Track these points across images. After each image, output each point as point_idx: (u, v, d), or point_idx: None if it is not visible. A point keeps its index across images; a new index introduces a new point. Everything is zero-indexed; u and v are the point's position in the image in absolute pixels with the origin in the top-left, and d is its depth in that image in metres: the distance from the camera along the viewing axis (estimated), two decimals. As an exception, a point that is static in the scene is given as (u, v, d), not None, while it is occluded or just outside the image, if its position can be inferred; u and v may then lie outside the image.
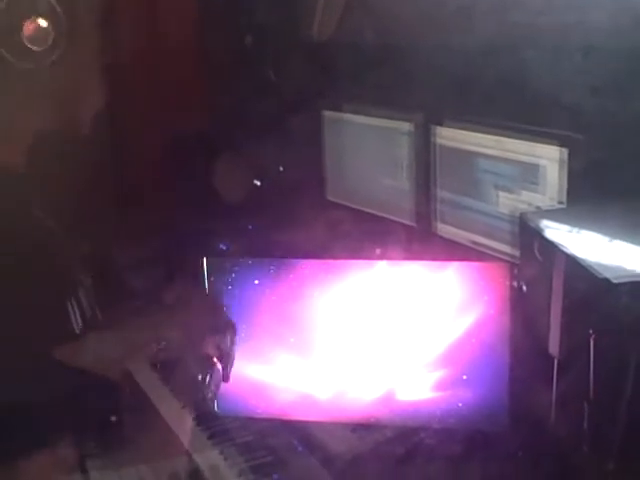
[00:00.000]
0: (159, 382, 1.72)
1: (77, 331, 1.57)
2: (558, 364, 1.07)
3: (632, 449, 0.96)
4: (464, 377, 1.37)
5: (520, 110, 1.42)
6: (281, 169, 1.90)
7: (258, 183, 1.99)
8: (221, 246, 1.86)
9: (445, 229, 1.64)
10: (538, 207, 1.39)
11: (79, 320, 1.61)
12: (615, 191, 1.25)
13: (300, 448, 1.47)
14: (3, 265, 1.36)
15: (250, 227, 1.84)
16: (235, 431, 1.53)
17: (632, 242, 1.08)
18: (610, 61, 1.24)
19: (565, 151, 1.35)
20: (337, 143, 1.89)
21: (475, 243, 1.56)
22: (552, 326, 1.08)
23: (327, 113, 1.88)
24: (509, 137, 1.45)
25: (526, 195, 1.44)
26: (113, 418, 1.55)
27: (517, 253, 1.34)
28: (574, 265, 1.03)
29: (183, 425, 1.58)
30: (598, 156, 1.29)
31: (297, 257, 1.46)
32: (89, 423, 1.52)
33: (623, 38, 1.21)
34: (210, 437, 1.53)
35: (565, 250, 1.07)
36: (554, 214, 1.28)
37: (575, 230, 1.15)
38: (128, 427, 1.59)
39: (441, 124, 1.60)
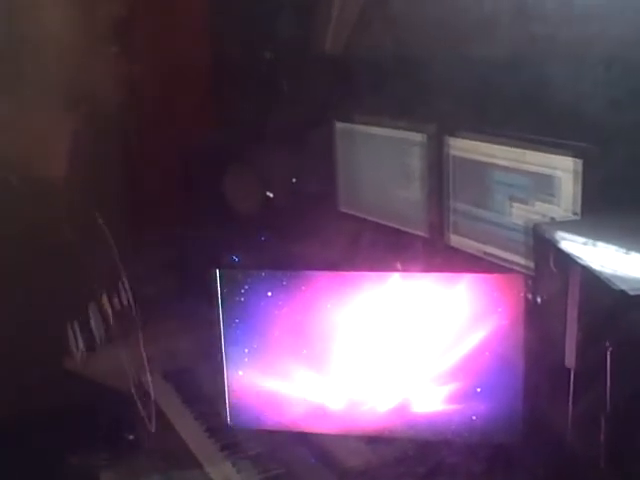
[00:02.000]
0: (173, 394, 1.72)
1: (93, 343, 1.57)
2: (574, 376, 1.06)
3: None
4: (478, 390, 1.36)
5: (534, 121, 1.42)
6: (294, 180, 1.90)
7: (271, 195, 1.99)
8: (233, 258, 1.86)
9: (458, 240, 1.63)
10: (552, 218, 1.39)
11: (95, 333, 1.62)
12: (629, 202, 1.25)
13: (313, 460, 1.47)
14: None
15: (263, 239, 1.84)
16: (248, 443, 1.52)
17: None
18: (627, 73, 1.23)
19: (579, 162, 1.34)
20: (350, 154, 1.89)
21: (488, 254, 1.56)
22: (568, 338, 1.08)
23: (340, 125, 1.88)
24: (523, 148, 1.45)
25: (540, 206, 1.43)
26: (127, 433, 1.56)
27: (531, 265, 1.33)
28: (590, 277, 1.03)
29: (196, 437, 1.57)
30: (613, 167, 1.29)
31: (310, 269, 1.46)
32: (102, 435, 1.53)
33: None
34: (223, 449, 1.53)
35: (581, 262, 1.06)
36: (569, 225, 1.27)
37: (590, 242, 1.15)
38: (141, 439, 1.59)
39: (454, 135, 1.60)
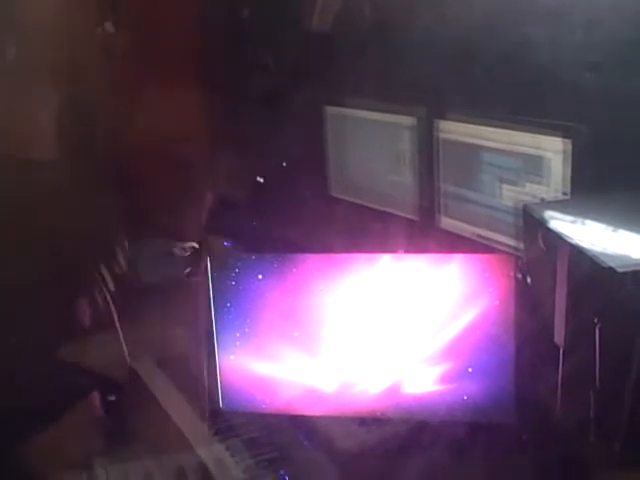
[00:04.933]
0: (165, 379, 1.72)
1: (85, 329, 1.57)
2: (563, 353, 1.07)
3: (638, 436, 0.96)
4: (469, 370, 1.37)
5: (524, 102, 1.41)
6: (284, 164, 1.90)
7: (261, 180, 1.99)
8: (225, 243, 1.86)
9: (449, 222, 1.63)
10: (542, 199, 1.39)
11: (87, 319, 1.62)
12: (619, 181, 1.25)
13: (306, 443, 1.47)
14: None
15: (254, 223, 1.84)
16: (241, 427, 1.53)
17: (636, 231, 1.08)
18: (618, 54, 1.23)
19: (569, 142, 1.34)
20: (340, 138, 1.89)
21: (479, 236, 1.56)
22: (557, 316, 1.08)
23: (329, 108, 1.88)
24: (512, 129, 1.45)
25: (530, 187, 1.44)
26: (118, 417, 1.56)
27: (521, 245, 1.34)
28: (579, 255, 1.03)
29: (189, 421, 1.58)
30: (602, 147, 1.29)
31: (301, 252, 1.46)
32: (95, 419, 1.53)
33: (630, 32, 1.21)
34: (216, 433, 1.53)
35: (570, 240, 1.06)
36: (558, 205, 1.27)
37: (579, 220, 1.15)
38: (134, 424, 1.59)
39: (444, 118, 1.60)
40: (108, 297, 1.67)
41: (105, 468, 1.43)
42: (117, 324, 1.67)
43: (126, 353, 1.70)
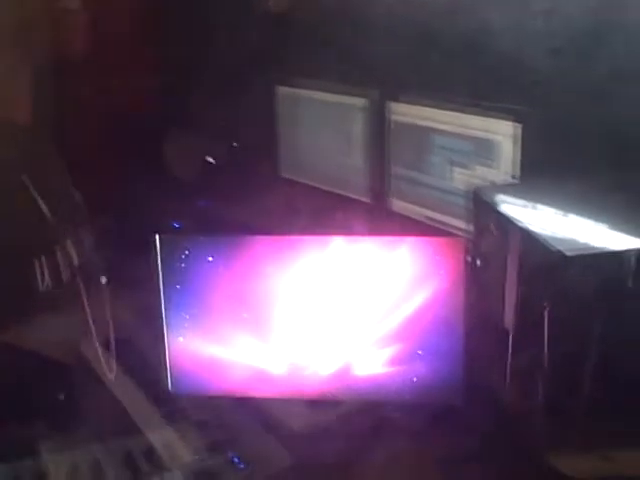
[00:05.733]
0: (112, 362, 1.70)
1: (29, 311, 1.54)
2: (512, 336, 1.08)
3: (586, 417, 0.98)
4: (419, 352, 1.37)
5: (476, 86, 1.42)
6: (235, 144, 1.88)
7: (211, 160, 1.97)
8: (174, 224, 1.84)
9: (400, 205, 1.64)
10: (492, 182, 1.40)
11: (31, 300, 1.58)
12: (568, 165, 1.26)
13: (256, 425, 1.46)
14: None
15: (203, 204, 1.82)
16: (190, 410, 1.51)
17: (585, 216, 1.09)
18: (568, 39, 1.24)
19: (519, 126, 1.35)
20: (291, 119, 1.87)
21: (429, 219, 1.57)
22: (507, 299, 1.09)
23: (282, 89, 1.86)
24: (464, 112, 1.45)
25: (480, 170, 1.45)
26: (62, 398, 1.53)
27: (472, 228, 1.35)
28: (528, 239, 1.04)
29: (137, 405, 1.56)
30: (552, 131, 1.30)
31: (251, 234, 1.44)
32: (40, 404, 1.50)
33: (583, 19, 1.22)
34: (164, 416, 1.51)
35: (519, 224, 1.07)
36: (508, 189, 1.29)
37: (529, 204, 1.16)
38: (81, 408, 1.56)
39: (396, 100, 1.59)
40: (59, 278, 1.64)
41: (51, 454, 1.41)
42: (65, 306, 1.64)
43: (74, 335, 1.67)
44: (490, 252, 1.19)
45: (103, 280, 1.62)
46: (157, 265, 1.44)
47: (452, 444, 1.31)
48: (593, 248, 0.98)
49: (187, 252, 1.43)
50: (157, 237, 1.44)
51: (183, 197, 1.84)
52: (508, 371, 1.09)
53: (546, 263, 0.99)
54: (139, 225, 1.64)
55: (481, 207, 1.25)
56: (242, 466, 1.38)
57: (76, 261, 1.60)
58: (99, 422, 1.52)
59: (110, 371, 1.65)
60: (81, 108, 1.93)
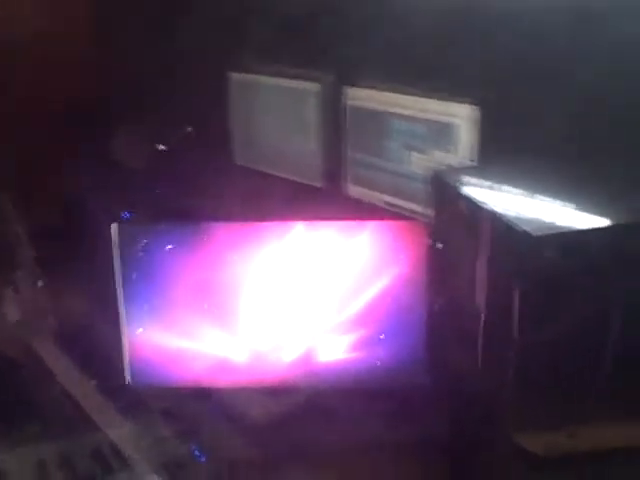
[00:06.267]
0: (66, 356, 1.67)
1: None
2: (480, 316, 1.08)
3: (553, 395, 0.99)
4: (381, 336, 1.38)
5: (432, 70, 1.42)
6: (190, 129, 1.85)
7: (163, 147, 1.93)
8: (125, 214, 1.80)
9: (358, 191, 1.63)
10: (450, 165, 1.40)
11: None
12: (526, 148, 1.27)
13: (218, 415, 1.45)
14: None
15: (157, 192, 1.79)
16: (150, 402, 1.49)
17: (546, 196, 1.10)
18: (523, 21, 1.25)
19: (477, 110, 1.36)
20: (246, 106, 1.85)
21: (388, 204, 1.56)
22: (473, 280, 1.10)
23: (235, 75, 1.83)
24: (420, 96, 1.45)
25: (438, 155, 1.44)
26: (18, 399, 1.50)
27: (430, 212, 1.34)
28: (494, 220, 1.04)
29: (93, 400, 1.53)
30: (509, 115, 1.31)
31: (209, 221, 1.43)
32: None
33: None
34: (124, 408, 1.49)
35: (484, 206, 1.07)
36: (468, 172, 1.29)
37: (490, 186, 1.17)
38: (35, 404, 1.53)
39: (352, 84, 1.58)
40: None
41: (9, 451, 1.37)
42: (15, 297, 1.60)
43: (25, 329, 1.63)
44: (452, 235, 1.19)
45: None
46: (114, 255, 1.42)
47: (418, 426, 1.32)
48: (559, 227, 0.99)
49: (145, 241, 1.41)
50: (114, 227, 1.41)
51: (137, 186, 1.80)
52: (476, 352, 1.09)
53: (512, 244, 1.00)
54: (93, 216, 1.61)
55: (441, 190, 1.25)
56: (203, 457, 1.37)
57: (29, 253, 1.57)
58: (56, 420, 1.49)
59: (66, 365, 1.62)
60: (24, 96, 1.88)
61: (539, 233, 0.97)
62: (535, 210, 1.06)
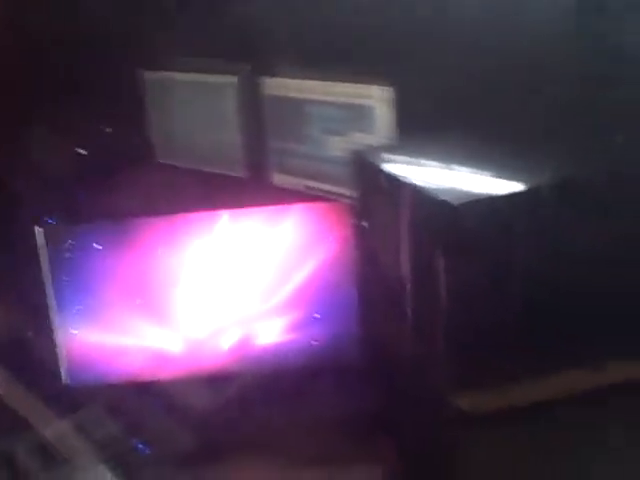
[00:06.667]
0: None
1: None
2: (409, 288, 1.12)
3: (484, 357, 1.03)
4: (316, 316, 1.40)
5: (344, 53, 1.44)
6: (108, 129, 1.84)
7: (82, 152, 1.92)
8: (47, 219, 1.78)
9: (280, 178, 1.65)
10: (370, 145, 1.44)
11: None
12: (441, 126, 1.31)
13: (158, 409, 1.46)
14: None
15: (80, 194, 1.77)
16: (88, 402, 1.49)
17: (465, 167, 1.14)
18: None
19: (391, 90, 1.39)
20: (163, 102, 1.85)
21: (311, 188, 1.59)
22: (400, 255, 1.13)
23: (152, 73, 1.83)
24: (335, 81, 1.48)
25: (356, 136, 1.48)
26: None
27: (353, 194, 1.38)
28: (415, 193, 1.08)
29: (29, 405, 1.52)
30: (423, 93, 1.34)
31: (134, 217, 1.43)
32: None
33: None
34: (62, 410, 1.48)
35: (405, 180, 1.11)
36: (387, 149, 1.32)
37: (409, 162, 1.20)
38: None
39: (267, 74, 1.60)
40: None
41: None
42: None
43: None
44: (377, 212, 1.23)
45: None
46: (41, 258, 1.41)
47: (357, 401, 1.35)
48: (478, 195, 1.03)
49: (72, 242, 1.40)
50: (38, 229, 1.40)
51: (58, 189, 1.78)
52: (406, 321, 1.13)
53: (435, 214, 1.03)
54: (16, 220, 1.59)
55: (361, 169, 1.28)
56: (147, 451, 1.37)
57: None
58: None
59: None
60: None
61: (459, 202, 1.01)
62: (455, 181, 1.10)
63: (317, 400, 1.39)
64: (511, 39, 1.20)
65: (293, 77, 1.56)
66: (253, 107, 1.65)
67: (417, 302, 1.11)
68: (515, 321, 1.04)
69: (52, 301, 1.43)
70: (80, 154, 1.86)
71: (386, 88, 1.40)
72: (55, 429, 1.44)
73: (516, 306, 1.04)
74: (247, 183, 1.70)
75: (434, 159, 1.18)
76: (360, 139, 1.47)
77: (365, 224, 1.29)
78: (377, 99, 1.42)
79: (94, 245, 1.40)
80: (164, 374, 1.46)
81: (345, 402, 1.37)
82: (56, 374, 1.47)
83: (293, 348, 1.42)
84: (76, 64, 1.81)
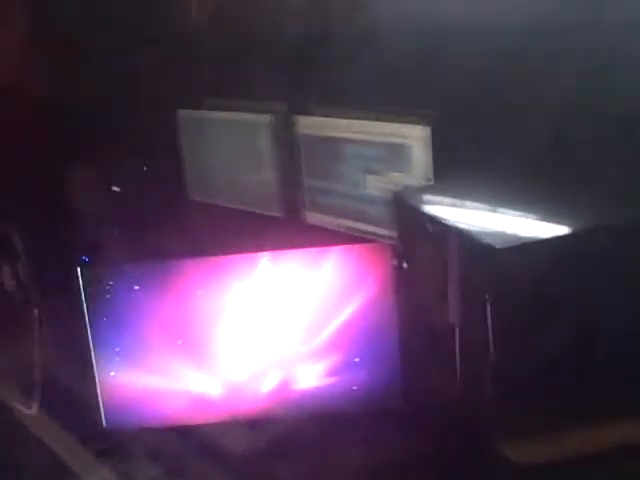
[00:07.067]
0: (37, 405, 1.64)
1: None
2: (459, 334, 1.10)
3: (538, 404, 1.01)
4: (356, 360, 1.39)
5: (382, 93, 1.44)
6: (145, 168, 1.85)
7: (117, 189, 1.93)
8: (82, 258, 1.78)
9: (317, 217, 1.64)
10: (408, 186, 1.43)
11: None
12: (479, 164, 1.30)
13: (197, 453, 1.44)
14: None
15: (116, 233, 1.78)
16: (127, 445, 1.48)
17: (506, 209, 1.12)
18: (469, 38, 1.27)
19: (428, 129, 1.39)
20: (197, 141, 1.85)
21: (349, 228, 1.58)
22: (442, 297, 1.11)
23: (187, 111, 1.84)
24: (371, 120, 1.48)
25: (394, 176, 1.47)
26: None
27: (392, 233, 1.37)
28: (458, 236, 1.07)
29: (68, 447, 1.51)
30: (460, 132, 1.33)
31: (174, 258, 1.43)
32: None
33: (470, 20, 1.26)
34: (99, 455, 1.47)
35: (447, 222, 1.10)
36: (427, 190, 1.32)
37: (450, 203, 1.19)
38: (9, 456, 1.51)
39: (303, 113, 1.60)
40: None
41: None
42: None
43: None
44: (418, 253, 1.21)
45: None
46: (81, 299, 1.41)
47: (401, 447, 1.33)
48: (521, 238, 1.02)
49: (111, 283, 1.40)
50: (79, 270, 1.40)
51: (94, 229, 1.79)
52: (452, 368, 1.11)
53: (478, 258, 1.02)
54: (53, 261, 1.60)
55: (402, 210, 1.27)
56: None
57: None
58: (30, 471, 1.47)
59: (37, 412, 1.60)
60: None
61: (502, 245, 1.00)
62: (496, 224, 1.08)
63: (358, 446, 1.37)
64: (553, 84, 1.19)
65: (328, 116, 1.56)
66: (288, 146, 1.65)
67: (462, 347, 1.09)
68: (567, 367, 1.02)
69: (91, 342, 1.43)
70: (117, 193, 1.88)
71: (424, 127, 1.39)
72: (94, 473, 1.43)
73: (568, 351, 1.02)
74: (284, 222, 1.69)
75: (475, 200, 1.17)
76: (397, 178, 1.46)
77: (405, 266, 1.28)
78: (414, 138, 1.41)
79: (132, 286, 1.40)
80: (203, 417, 1.45)
81: (385, 449, 1.35)
82: (95, 417, 1.46)
83: (333, 393, 1.40)
84: (115, 104, 1.83)
